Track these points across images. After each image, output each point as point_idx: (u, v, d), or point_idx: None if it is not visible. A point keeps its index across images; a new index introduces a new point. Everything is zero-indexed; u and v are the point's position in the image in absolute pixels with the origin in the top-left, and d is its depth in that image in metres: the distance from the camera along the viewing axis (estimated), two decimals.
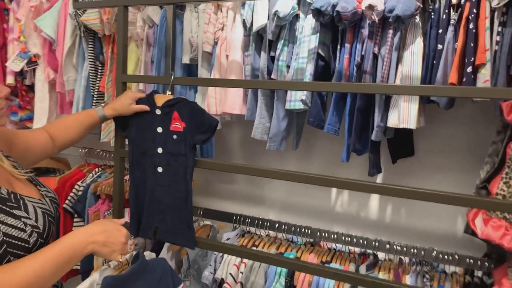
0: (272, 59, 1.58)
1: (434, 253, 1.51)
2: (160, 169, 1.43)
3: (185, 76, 1.84)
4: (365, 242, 1.61)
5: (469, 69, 1.28)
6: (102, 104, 1.42)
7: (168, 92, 1.46)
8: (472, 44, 1.27)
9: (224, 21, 1.63)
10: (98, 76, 1.94)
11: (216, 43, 1.67)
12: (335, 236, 1.66)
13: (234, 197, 2.20)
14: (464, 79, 1.29)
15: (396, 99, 1.39)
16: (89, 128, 1.41)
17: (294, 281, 1.54)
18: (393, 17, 1.29)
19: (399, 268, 1.55)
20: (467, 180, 1.62)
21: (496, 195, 1.26)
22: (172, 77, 1.44)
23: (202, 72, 1.75)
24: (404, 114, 1.36)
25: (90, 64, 1.93)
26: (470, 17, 1.28)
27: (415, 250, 1.54)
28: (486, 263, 1.44)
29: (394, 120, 1.39)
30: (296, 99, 1.50)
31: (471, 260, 1.47)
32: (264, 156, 2.05)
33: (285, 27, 1.52)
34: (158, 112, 1.44)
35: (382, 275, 1.51)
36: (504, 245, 1.18)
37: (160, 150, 1.43)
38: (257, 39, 1.59)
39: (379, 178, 1.87)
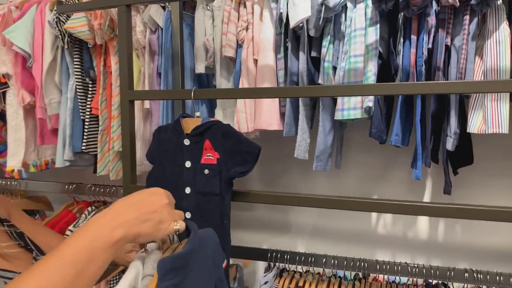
0: (312, 60, 1.30)
1: None
2: (188, 215, 1.12)
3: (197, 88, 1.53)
4: (438, 272, 1.35)
5: None
6: None
7: (197, 114, 1.15)
8: None
9: (249, 19, 1.34)
10: (89, 96, 1.58)
11: (240, 45, 1.37)
12: (399, 267, 1.38)
13: (253, 226, 1.89)
14: None
15: (478, 99, 1.15)
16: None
17: None
18: None
19: None
20: None
21: None
22: (193, 92, 1.14)
23: (221, 82, 1.44)
24: (494, 117, 1.11)
25: (78, 81, 1.57)
26: None
27: (501, 277, 1.29)
28: None
29: (479, 124, 1.14)
30: (351, 107, 1.22)
31: None
32: (287, 175, 1.76)
33: (330, 21, 1.25)
34: (186, 142, 1.12)
35: None
36: None
37: (188, 190, 1.12)
38: (293, 38, 1.30)
39: (428, 192, 1.62)
